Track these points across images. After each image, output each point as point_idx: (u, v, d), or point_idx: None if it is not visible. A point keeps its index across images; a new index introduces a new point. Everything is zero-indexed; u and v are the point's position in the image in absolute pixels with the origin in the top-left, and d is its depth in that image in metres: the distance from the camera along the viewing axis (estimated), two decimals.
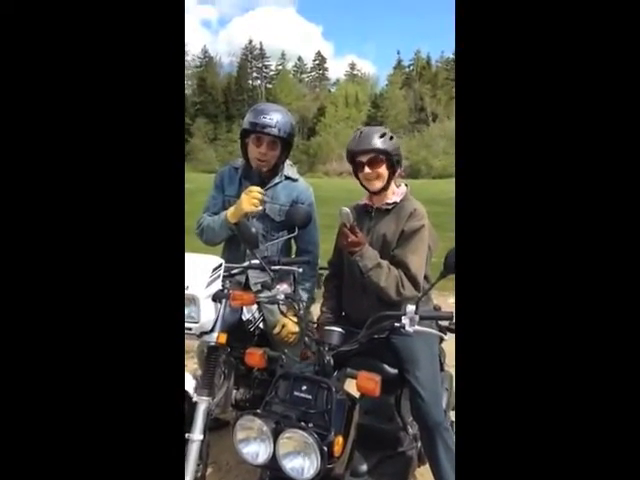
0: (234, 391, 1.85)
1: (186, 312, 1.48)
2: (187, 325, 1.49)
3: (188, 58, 50.44)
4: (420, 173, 30.30)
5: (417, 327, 1.18)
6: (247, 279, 1.87)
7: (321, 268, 2.09)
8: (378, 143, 1.56)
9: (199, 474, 1.46)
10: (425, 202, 1.71)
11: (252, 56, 53.45)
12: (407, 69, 51.41)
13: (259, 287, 1.85)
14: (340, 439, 1.09)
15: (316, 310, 1.85)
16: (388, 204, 1.64)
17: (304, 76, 55.44)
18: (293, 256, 1.97)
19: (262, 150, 1.80)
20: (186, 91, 48.52)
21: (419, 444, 1.62)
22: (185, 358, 2.36)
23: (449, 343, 1.57)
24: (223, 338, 1.55)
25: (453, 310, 1.10)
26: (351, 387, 1.22)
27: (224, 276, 1.60)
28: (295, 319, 1.61)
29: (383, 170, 1.58)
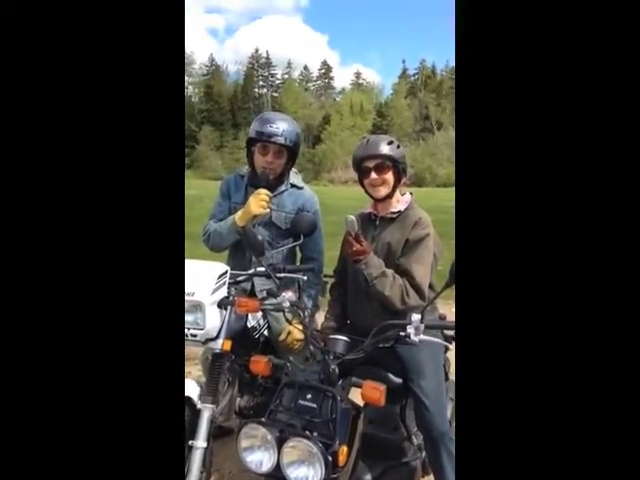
0: (238, 398, 1.85)
1: (191, 319, 1.48)
2: (192, 332, 1.49)
3: (195, 66, 50.98)
4: (425, 181, 30.27)
5: (422, 336, 1.17)
6: (253, 286, 1.87)
7: (326, 276, 2.09)
8: (385, 150, 1.57)
9: None
10: (430, 210, 1.72)
11: (258, 64, 53.83)
12: (412, 78, 51.62)
13: (264, 294, 1.85)
14: (344, 448, 1.08)
15: (321, 318, 1.85)
16: (393, 212, 1.64)
17: (310, 85, 55.76)
18: (298, 264, 1.97)
19: (268, 159, 1.81)
20: (193, 99, 48.97)
21: (423, 454, 1.60)
22: (189, 365, 2.36)
23: (454, 352, 1.56)
24: (228, 345, 1.55)
25: None
26: (356, 396, 1.21)
27: (229, 283, 1.61)
28: (300, 326, 1.61)
29: (389, 177, 1.59)
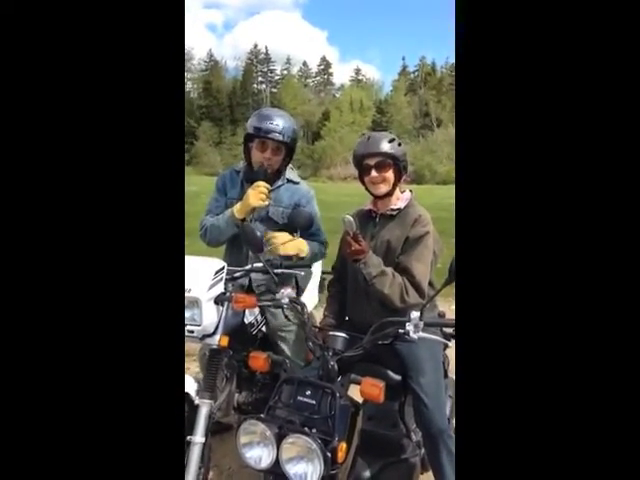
0: (236, 394, 1.85)
1: (188, 315, 1.48)
2: (189, 328, 1.48)
3: (194, 62, 50.79)
4: (424, 178, 30.27)
5: (421, 334, 1.17)
6: (250, 282, 1.87)
7: (324, 272, 2.09)
8: (387, 147, 1.56)
9: (200, 477, 1.46)
10: (429, 208, 1.71)
11: (257, 60, 53.67)
12: (412, 75, 51.56)
13: (262, 290, 1.85)
14: (343, 445, 1.08)
15: (319, 315, 1.85)
16: (393, 210, 1.64)
17: (309, 81, 55.63)
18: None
19: (267, 155, 1.81)
20: (191, 95, 48.82)
21: (422, 451, 1.61)
22: (188, 361, 2.36)
23: (454, 350, 1.56)
24: (225, 341, 1.55)
25: None
26: (355, 393, 1.21)
27: (226, 279, 1.60)
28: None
29: (390, 174, 1.59)
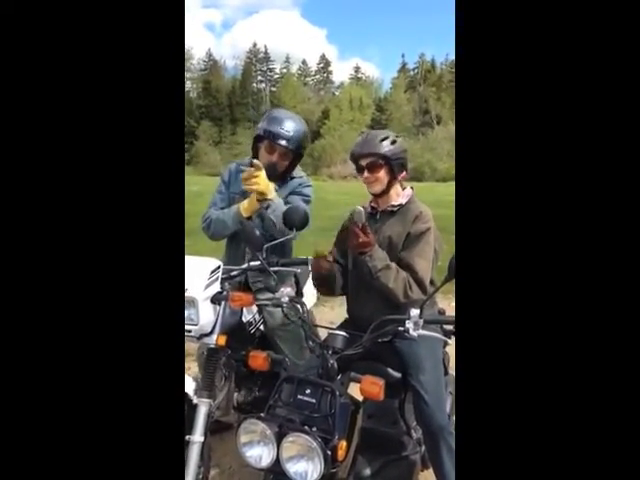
0: (235, 393, 1.85)
1: (185, 314, 1.47)
2: (186, 327, 1.48)
3: (193, 61, 50.69)
4: (424, 176, 30.21)
5: (421, 331, 1.17)
6: (246, 279, 1.87)
7: None
8: (377, 148, 1.57)
9: (200, 476, 1.46)
10: (430, 205, 1.71)
11: (256, 59, 53.58)
12: (411, 72, 51.46)
13: (258, 287, 1.85)
14: (344, 443, 1.08)
15: (321, 313, 1.85)
16: (393, 206, 1.64)
17: (308, 79, 55.51)
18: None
19: (274, 159, 1.80)
20: (191, 94, 48.72)
21: (423, 448, 1.61)
22: (188, 361, 2.36)
23: (454, 347, 1.56)
24: (223, 340, 1.55)
25: None
26: (355, 391, 1.21)
27: (223, 278, 1.60)
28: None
29: (382, 175, 1.59)
